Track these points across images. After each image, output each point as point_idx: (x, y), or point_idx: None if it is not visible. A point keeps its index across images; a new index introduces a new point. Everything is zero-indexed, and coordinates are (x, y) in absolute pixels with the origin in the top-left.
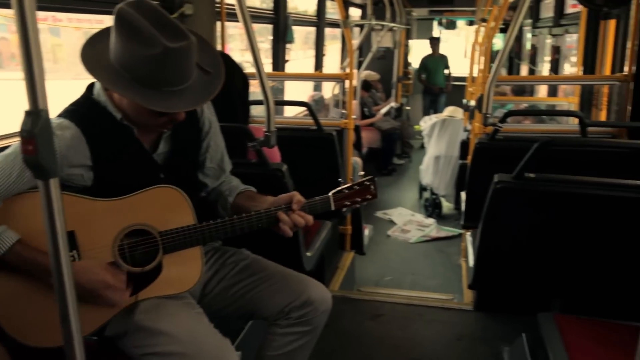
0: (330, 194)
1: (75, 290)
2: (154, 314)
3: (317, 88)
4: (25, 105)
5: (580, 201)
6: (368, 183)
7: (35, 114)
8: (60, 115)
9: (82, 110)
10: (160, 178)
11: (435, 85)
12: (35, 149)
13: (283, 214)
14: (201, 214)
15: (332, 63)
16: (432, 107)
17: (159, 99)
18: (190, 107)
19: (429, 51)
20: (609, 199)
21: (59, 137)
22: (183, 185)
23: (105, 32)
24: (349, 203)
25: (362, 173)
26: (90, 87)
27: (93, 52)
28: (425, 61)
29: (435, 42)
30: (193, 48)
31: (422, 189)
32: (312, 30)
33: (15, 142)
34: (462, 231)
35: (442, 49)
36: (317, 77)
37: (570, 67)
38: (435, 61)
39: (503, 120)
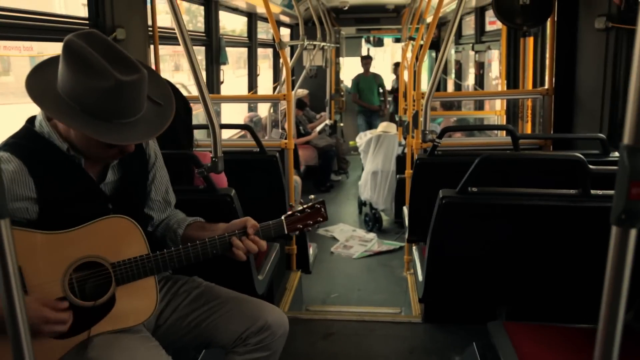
0: (282, 217)
1: None
2: (109, 350)
3: (252, 108)
4: None
5: (519, 211)
6: (319, 206)
7: None
8: (0, 149)
9: (24, 143)
10: (109, 209)
11: (371, 105)
12: None
13: (237, 240)
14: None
15: (263, 82)
16: (368, 128)
17: (110, 131)
18: (143, 139)
19: (360, 69)
20: (545, 208)
21: (1, 171)
22: (131, 217)
23: (51, 61)
24: (301, 226)
25: (313, 197)
26: (32, 119)
27: (39, 82)
28: (357, 80)
29: (367, 60)
30: (144, 80)
31: (362, 204)
32: (240, 50)
33: None
34: (403, 244)
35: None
36: (257, 99)
37: (493, 80)
38: (368, 81)
39: (441, 136)
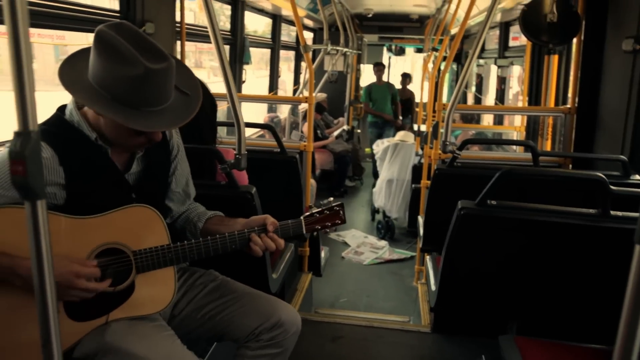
0: (302, 217)
1: None
2: (126, 335)
3: (271, 109)
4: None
5: (538, 227)
6: (337, 208)
7: (26, 135)
8: None
9: (55, 130)
10: (132, 198)
11: (385, 114)
12: (24, 170)
13: (256, 236)
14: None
15: (283, 84)
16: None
17: (139, 118)
18: (170, 127)
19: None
20: (564, 226)
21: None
22: (153, 207)
23: (83, 52)
24: (319, 227)
25: (331, 199)
26: (62, 107)
27: (71, 71)
28: (370, 89)
29: (380, 68)
30: (172, 69)
31: (375, 211)
32: (261, 51)
33: None
34: (414, 254)
35: (391, 73)
36: (279, 99)
37: (513, 96)
38: (381, 90)
39: (461, 148)
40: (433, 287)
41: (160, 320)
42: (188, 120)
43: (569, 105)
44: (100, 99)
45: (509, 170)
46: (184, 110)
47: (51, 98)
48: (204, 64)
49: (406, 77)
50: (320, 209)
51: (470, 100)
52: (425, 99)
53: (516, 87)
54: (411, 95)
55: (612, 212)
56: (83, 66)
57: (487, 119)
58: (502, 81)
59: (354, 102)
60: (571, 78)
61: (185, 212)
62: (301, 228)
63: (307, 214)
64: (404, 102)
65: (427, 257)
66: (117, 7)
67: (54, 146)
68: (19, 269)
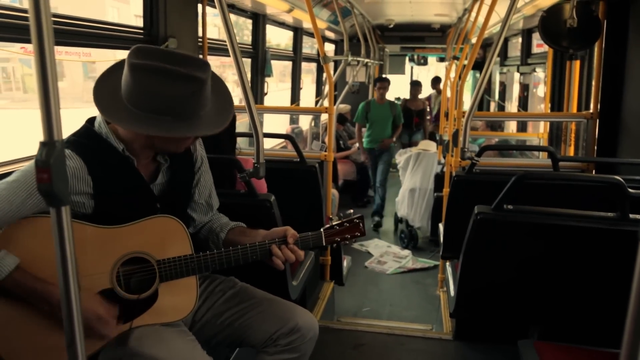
0: (322, 230)
1: None
2: (149, 340)
3: (293, 120)
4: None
5: (554, 232)
6: (357, 221)
7: (51, 145)
8: None
9: (84, 141)
10: (157, 208)
11: (378, 140)
12: (50, 178)
13: (276, 249)
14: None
15: (305, 96)
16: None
17: (178, 128)
18: (210, 131)
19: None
20: (581, 230)
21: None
22: (177, 217)
23: (114, 69)
24: (339, 239)
25: (351, 211)
26: (92, 119)
27: (104, 92)
28: (367, 108)
29: (382, 84)
30: (209, 77)
31: (398, 220)
32: (284, 64)
33: (18, 168)
34: (437, 263)
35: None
36: (298, 110)
37: (536, 102)
38: (382, 110)
39: (479, 154)
40: (452, 293)
41: (182, 326)
42: (225, 125)
43: (591, 111)
44: (140, 120)
45: (524, 174)
46: (219, 118)
47: (81, 114)
48: (228, 78)
49: (416, 86)
50: (340, 221)
51: (492, 108)
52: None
53: (542, 93)
54: (424, 105)
55: (631, 216)
56: (113, 85)
57: (512, 127)
58: (524, 88)
59: None
60: (593, 83)
61: (208, 222)
62: (321, 240)
63: (327, 226)
64: (417, 114)
65: (447, 264)
66: (140, 24)
67: (83, 156)
68: (50, 297)
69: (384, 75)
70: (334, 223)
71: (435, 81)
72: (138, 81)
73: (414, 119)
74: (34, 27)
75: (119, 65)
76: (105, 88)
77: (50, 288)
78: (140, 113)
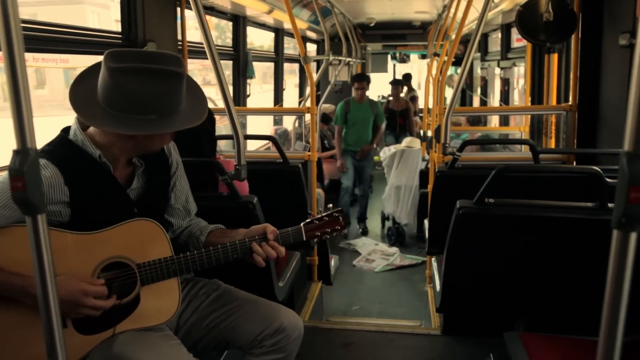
0: (301, 224)
1: None
2: (134, 345)
3: (277, 121)
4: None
5: (535, 223)
6: (337, 214)
7: (24, 153)
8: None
9: (59, 150)
10: (135, 212)
11: (358, 147)
12: (24, 186)
13: (257, 245)
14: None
15: (289, 97)
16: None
17: (164, 124)
18: (192, 123)
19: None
20: (562, 221)
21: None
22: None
23: (90, 71)
24: (319, 233)
25: (330, 205)
26: (67, 129)
27: (81, 95)
28: (347, 109)
29: (361, 83)
30: (184, 74)
31: (385, 218)
32: (268, 65)
33: None
34: (425, 259)
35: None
36: (280, 111)
37: (519, 96)
38: (362, 110)
39: (461, 149)
40: (438, 288)
41: (166, 330)
42: (200, 121)
43: (570, 103)
44: (115, 118)
45: (504, 167)
46: (193, 115)
47: (62, 122)
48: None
49: (398, 85)
50: (319, 216)
51: (476, 103)
52: (431, 105)
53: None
54: (407, 104)
55: (610, 205)
56: (92, 87)
57: (494, 121)
58: (505, 82)
59: None
60: (571, 75)
61: (187, 227)
62: (301, 235)
63: (307, 220)
64: (401, 114)
65: (433, 259)
66: (119, 28)
67: (59, 165)
68: (30, 288)
69: (365, 73)
70: (313, 218)
71: (396, 84)
72: (120, 85)
73: (397, 120)
74: (3, 33)
75: (88, 73)
76: (83, 100)
77: (29, 280)
78: (129, 117)
